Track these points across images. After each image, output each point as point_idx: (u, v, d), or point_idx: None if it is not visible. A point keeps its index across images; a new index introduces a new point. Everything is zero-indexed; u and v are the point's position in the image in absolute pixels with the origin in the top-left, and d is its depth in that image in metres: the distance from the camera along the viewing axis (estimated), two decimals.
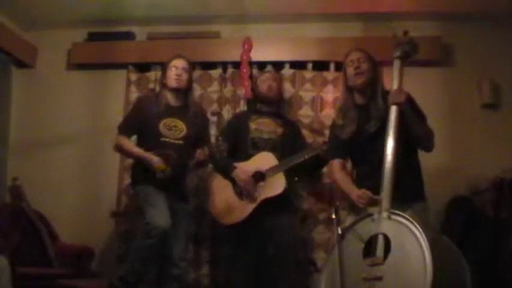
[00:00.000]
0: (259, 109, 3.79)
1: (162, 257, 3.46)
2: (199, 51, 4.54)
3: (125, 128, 3.56)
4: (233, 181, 3.59)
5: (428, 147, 2.85)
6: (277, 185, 3.51)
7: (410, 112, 2.76)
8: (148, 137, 3.49)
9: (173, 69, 3.56)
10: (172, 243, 3.44)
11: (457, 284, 2.41)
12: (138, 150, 3.46)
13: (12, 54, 4.64)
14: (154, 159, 3.37)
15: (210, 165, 3.90)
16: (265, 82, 3.77)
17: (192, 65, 3.74)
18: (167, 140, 3.47)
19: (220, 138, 3.64)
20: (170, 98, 3.56)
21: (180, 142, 3.48)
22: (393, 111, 2.71)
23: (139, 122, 3.54)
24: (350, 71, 2.92)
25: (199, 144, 3.54)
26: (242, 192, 3.55)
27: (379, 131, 2.78)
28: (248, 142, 3.66)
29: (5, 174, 4.49)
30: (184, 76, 3.58)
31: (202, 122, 3.72)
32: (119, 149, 3.59)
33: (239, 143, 3.69)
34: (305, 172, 3.83)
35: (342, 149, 2.97)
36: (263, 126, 3.71)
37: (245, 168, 3.58)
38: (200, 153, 3.45)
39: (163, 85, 3.61)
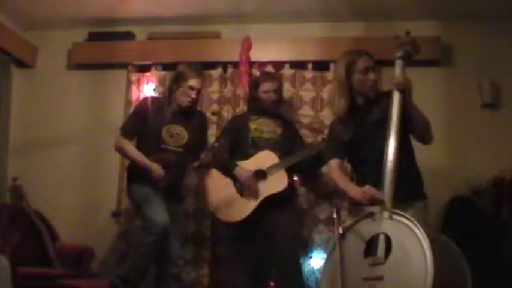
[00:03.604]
0: (258, 110, 3.79)
1: (160, 257, 3.47)
2: (199, 51, 4.55)
3: (128, 130, 3.56)
4: (234, 179, 3.59)
5: (427, 139, 2.83)
6: (279, 182, 3.52)
7: (411, 99, 2.74)
8: (149, 141, 3.48)
9: (189, 89, 3.48)
10: (170, 242, 3.44)
11: (457, 283, 2.41)
12: (139, 156, 3.45)
13: (12, 54, 4.64)
14: (154, 170, 3.36)
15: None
16: (268, 94, 3.72)
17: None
18: (168, 147, 3.47)
19: (220, 140, 3.64)
20: (175, 107, 3.54)
21: (180, 149, 3.48)
22: (396, 97, 2.70)
23: (142, 126, 3.52)
24: (361, 79, 2.84)
25: (200, 150, 3.53)
26: (244, 189, 3.55)
27: (379, 125, 2.77)
28: (248, 142, 3.67)
29: (5, 174, 4.49)
30: (199, 96, 3.56)
31: (204, 129, 3.72)
32: (120, 150, 3.58)
33: (239, 143, 3.70)
34: (304, 170, 3.83)
35: (340, 150, 2.96)
36: (263, 126, 3.72)
37: (246, 166, 3.58)
38: (204, 156, 3.44)
39: (172, 93, 3.52)
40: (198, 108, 3.86)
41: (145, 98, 4.10)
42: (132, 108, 4.08)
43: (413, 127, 2.76)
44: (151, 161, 3.41)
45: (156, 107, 3.53)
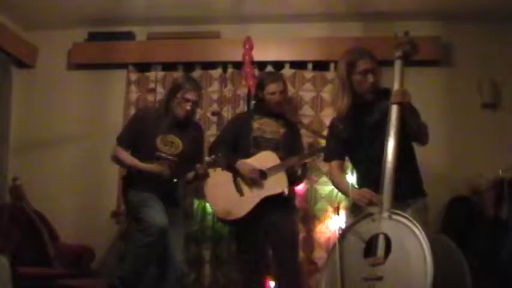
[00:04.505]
0: (262, 109, 3.78)
1: (162, 260, 3.47)
2: (199, 51, 4.55)
3: (124, 140, 3.57)
4: (234, 175, 3.60)
5: (424, 141, 2.83)
6: (278, 184, 3.52)
7: (410, 110, 2.75)
8: (144, 150, 3.48)
9: (185, 102, 3.49)
10: (172, 246, 3.44)
11: (457, 283, 2.41)
12: (137, 163, 3.46)
13: (12, 54, 4.63)
14: (157, 169, 3.38)
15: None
16: (274, 95, 3.70)
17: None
18: (162, 155, 3.47)
19: (219, 154, 3.62)
20: (172, 118, 3.54)
21: (175, 158, 3.49)
22: (394, 110, 2.71)
23: (137, 135, 3.54)
24: (360, 81, 2.82)
25: (194, 161, 3.53)
26: (246, 181, 3.55)
27: (378, 125, 2.77)
28: (250, 141, 3.67)
29: (5, 174, 4.49)
30: (195, 108, 3.59)
31: (199, 141, 3.72)
32: (117, 160, 3.59)
33: (241, 142, 3.70)
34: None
35: (340, 150, 2.96)
36: (266, 126, 3.71)
37: None
38: (200, 167, 3.44)
39: (168, 104, 3.53)
40: (196, 121, 3.86)
41: (142, 108, 4.13)
42: (129, 118, 4.04)
43: (411, 133, 2.76)
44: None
45: (152, 117, 3.55)
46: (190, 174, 3.53)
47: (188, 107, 3.51)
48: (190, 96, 3.51)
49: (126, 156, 3.53)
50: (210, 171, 3.49)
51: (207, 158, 3.55)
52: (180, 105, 3.50)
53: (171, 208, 3.49)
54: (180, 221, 3.62)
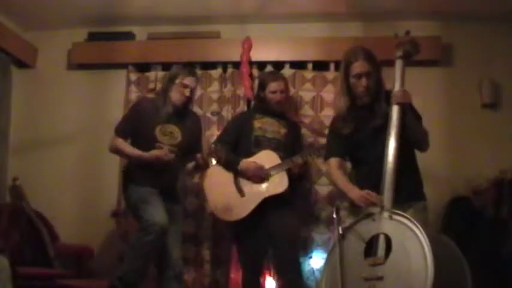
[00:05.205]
0: (264, 109, 3.78)
1: (159, 258, 3.46)
2: (199, 51, 4.55)
3: (122, 130, 3.56)
4: (235, 175, 3.59)
5: (424, 148, 2.84)
6: (279, 184, 3.52)
7: (411, 113, 2.75)
8: (143, 141, 3.48)
9: (183, 87, 3.50)
10: (171, 244, 3.44)
11: (457, 283, 2.41)
12: (137, 151, 3.46)
13: (12, 54, 4.63)
14: (155, 152, 3.38)
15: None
16: (275, 94, 3.70)
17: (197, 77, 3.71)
18: (161, 145, 3.47)
19: (219, 144, 3.62)
20: (170, 106, 3.55)
21: (174, 149, 3.49)
22: (395, 111, 2.71)
23: (136, 125, 3.54)
24: (354, 83, 2.83)
25: (193, 151, 3.53)
26: (253, 179, 3.55)
27: (380, 128, 2.77)
28: (251, 140, 3.67)
29: (5, 174, 4.49)
30: (193, 95, 3.59)
31: (198, 131, 3.72)
32: (116, 150, 3.58)
33: (242, 141, 3.70)
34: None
35: (340, 148, 2.95)
36: (267, 126, 3.72)
37: None
38: (199, 158, 3.45)
39: (166, 93, 3.54)
40: (194, 111, 3.86)
41: (140, 99, 4.12)
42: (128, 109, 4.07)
43: (411, 138, 2.76)
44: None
45: (150, 107, 3.55)
46: (190, 165, 3.54)
47: (187, 93, 3.51)
48: (188, 82, 3.51)
49: (126, 146, 3.52)
50: (210, 165, 3.49)
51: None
52: (179, 91, 3.50)
53: (171, 204, 3.48)
54: (179, 218, 3.62)
